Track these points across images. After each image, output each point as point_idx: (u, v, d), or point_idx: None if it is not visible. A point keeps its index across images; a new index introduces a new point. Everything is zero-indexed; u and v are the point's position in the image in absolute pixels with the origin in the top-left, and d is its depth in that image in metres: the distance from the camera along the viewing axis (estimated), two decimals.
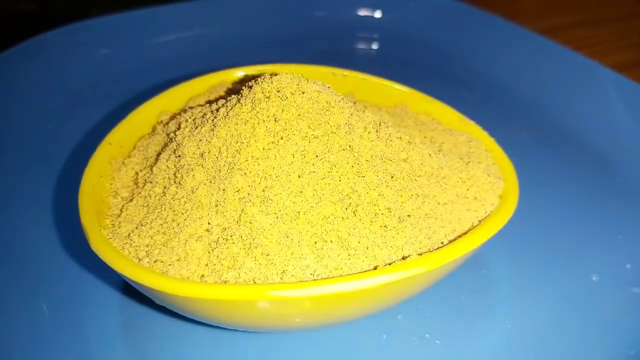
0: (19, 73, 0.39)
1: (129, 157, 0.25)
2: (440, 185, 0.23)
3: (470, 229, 0.22)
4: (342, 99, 0.23)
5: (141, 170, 0.24)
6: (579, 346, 0.24)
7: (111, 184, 0.24)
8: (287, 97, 0.22)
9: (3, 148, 0.34)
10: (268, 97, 0.22)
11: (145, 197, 0.22)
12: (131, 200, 0.23)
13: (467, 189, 0.23)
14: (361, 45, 0.50)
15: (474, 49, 0.47)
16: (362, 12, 0.52)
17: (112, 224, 0.22)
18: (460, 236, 0.21)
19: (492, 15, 0.47)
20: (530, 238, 0.29)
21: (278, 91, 0.22)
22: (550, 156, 0.36)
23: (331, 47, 0.48)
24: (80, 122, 0.36)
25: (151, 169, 0.23)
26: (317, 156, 0.21)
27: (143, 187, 0.23)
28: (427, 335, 0.24)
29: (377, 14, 0.51)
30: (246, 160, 0.21)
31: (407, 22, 0.50)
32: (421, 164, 0.23)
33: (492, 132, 0.28)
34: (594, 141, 0.37)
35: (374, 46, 0.50)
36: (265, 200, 0.20)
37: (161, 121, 0.27)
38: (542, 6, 0.59)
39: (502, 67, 0.44)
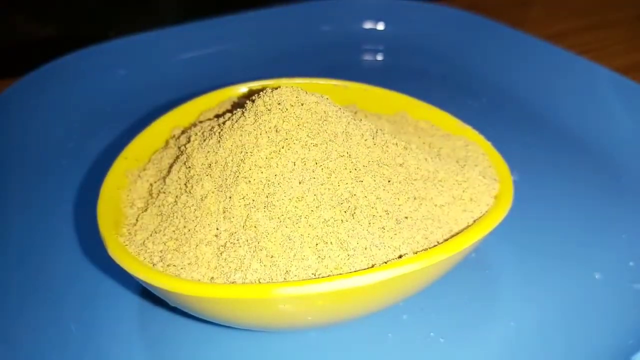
0: (40, 95, 0.39)
1: (144, 169, 0.26)
2: (437, 188, 0.23)
3: (466, 229, 0.22)
4: (339, 109, 0.24)
5: (155, 182, 0.25)
6: (583, 343, 0.24)
7: (127, 195, 0.25)
8: (287, 109, 0.22)
9: (25, 166, 0.35)
10: (269, 110, 0.23)
11: (159, 206, 0.23)
12: (146, 209, 0.24)
13: (463, 191, 0.24)
14: (367, 57, 0.50)
15: (478, 56, 0.47)
16: (367, 25, 0.52)
17: (129, 232, 0.23)
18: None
19: (497, 23, 0.47)
20: (533, 237, 0.30)
21: (279, 103, 0.23)
22: (556, 158, 0.36)
23: (338, 60, 0.48)
24: (99, 139, 0.37)
25: (164, 180, 0.24)
26: (316, 163, 0.22)
27: (157, 197, 0.24)
28: (431, 333, 0.25)
29: (381, 27, 0.52)
30: (250, 169, 0.21)
31: (411, 33, 0.50)
32: (417, 168, 0.23)
33: (499, 139, 0.28)
34: (598, 142, 0.37)
35: (379, 57, 0.50)
36: (268, 205, 0.21)
37: (173, 135, 0.28)
38: (549, 12, 0.59)
39: (507, 74, 0.44)
